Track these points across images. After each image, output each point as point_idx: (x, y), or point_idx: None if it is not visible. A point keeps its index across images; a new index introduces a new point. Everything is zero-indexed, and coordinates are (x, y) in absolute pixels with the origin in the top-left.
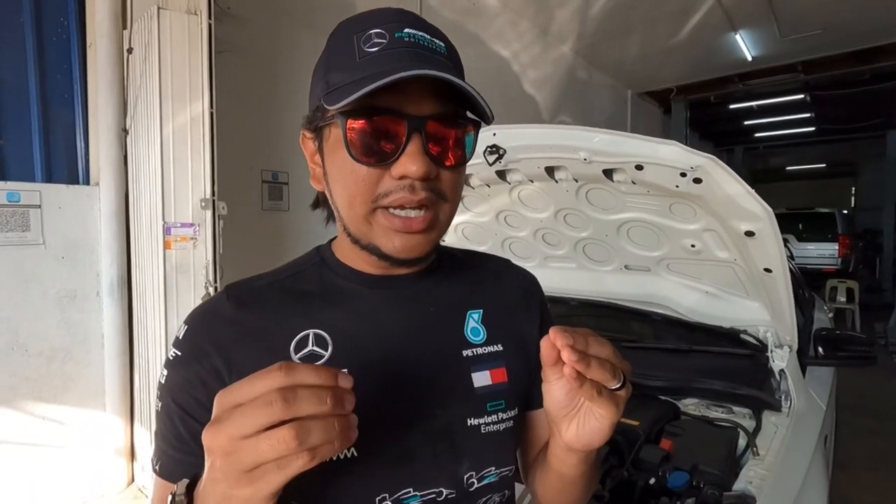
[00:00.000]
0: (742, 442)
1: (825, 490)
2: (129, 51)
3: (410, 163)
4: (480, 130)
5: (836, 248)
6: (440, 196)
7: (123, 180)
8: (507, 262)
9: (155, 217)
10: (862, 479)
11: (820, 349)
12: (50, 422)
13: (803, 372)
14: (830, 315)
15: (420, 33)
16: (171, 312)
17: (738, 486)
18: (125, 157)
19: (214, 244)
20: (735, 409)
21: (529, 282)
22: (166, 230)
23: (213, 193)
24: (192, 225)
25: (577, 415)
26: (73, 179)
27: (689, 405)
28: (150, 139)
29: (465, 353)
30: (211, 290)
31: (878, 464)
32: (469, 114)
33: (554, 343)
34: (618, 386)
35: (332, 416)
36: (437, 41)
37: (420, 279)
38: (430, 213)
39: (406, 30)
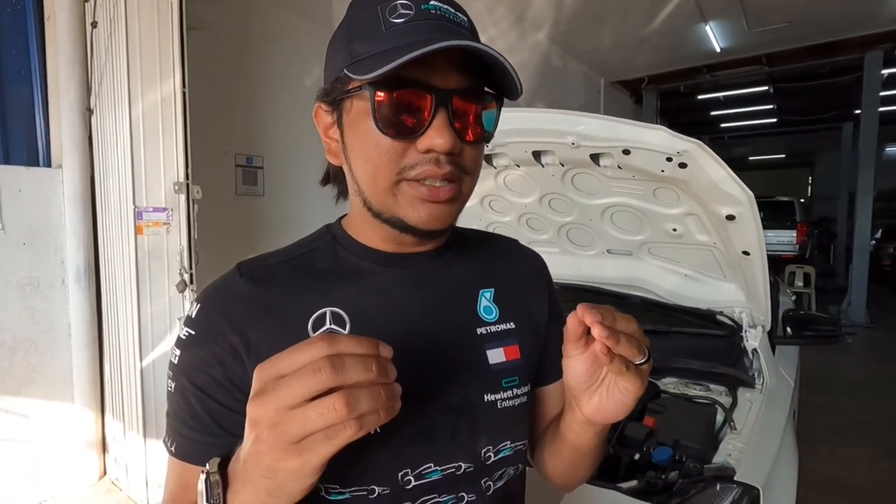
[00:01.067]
0: (720, 417)
1: (796, 461)
2: (94, 25)
3: (437, 136)
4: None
5: (795, 235)
6: (463, 170)
7: (88, 163)
8: (516, 242)
9: (125, 201)
10: (818, 450)
11: (788, 329)
12: (14, 415)
13: (773, 351)
14: (793, 298)
15: (445, 6)
16: (144, 300)
17: (718, 458)
18: (90, 138)
19: (189, 229)
20: (712, 386)
21: (537, 262)
22: (137, 215)
23: (186, 177)
24: (164, 209)
25: (598, 389)
26: (32, 161)
27: (669, 384)
28: (118, 120)
29: (479, 331)
30: (186, 276)
31: (833, 436)
32: (487, 89)
33: (581, 319)
34: (643, 360)
35: (377, 385)
36: (460, 15)
37: (433, 258)
38: (454, 185)
39: (432, 2)
